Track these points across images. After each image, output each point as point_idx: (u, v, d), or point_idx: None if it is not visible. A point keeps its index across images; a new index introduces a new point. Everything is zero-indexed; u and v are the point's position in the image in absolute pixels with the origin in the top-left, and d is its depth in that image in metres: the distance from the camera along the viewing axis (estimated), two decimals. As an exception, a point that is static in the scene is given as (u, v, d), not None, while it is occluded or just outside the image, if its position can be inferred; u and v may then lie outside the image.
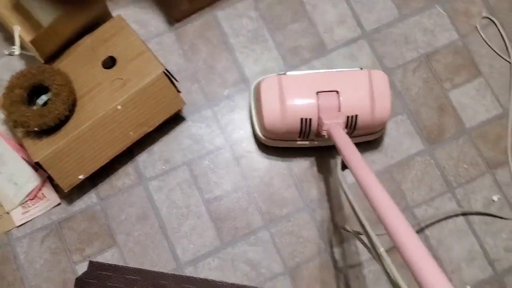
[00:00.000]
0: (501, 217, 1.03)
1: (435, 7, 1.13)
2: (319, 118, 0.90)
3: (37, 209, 0.98)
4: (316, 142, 0.98)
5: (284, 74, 0.95)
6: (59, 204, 1.00)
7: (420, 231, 1.01)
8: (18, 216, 0.98)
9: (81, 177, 0.93)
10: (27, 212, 0.98)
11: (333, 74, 0.95)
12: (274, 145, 1.01)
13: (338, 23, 1.11)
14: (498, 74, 1.11)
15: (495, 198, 1.04)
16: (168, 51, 1.08)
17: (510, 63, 1.11)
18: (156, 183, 1.01)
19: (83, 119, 0.92)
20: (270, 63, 1.08)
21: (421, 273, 0.49)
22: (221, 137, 1.04)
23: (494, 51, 1.12)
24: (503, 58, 1.12)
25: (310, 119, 0.91)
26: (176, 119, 1.04)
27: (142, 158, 1.03)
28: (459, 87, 1.09)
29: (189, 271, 0.97)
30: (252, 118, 1.01)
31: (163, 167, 1.02)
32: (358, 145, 0.80)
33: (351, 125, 0.93)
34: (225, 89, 1.06)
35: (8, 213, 0.99)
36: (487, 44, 1.12)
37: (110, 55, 0.97)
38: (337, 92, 0.91)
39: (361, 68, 0.98)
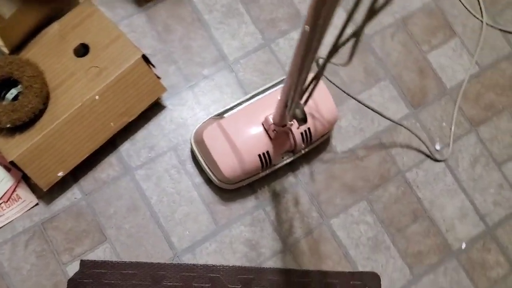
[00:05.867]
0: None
1: (406, -30, 1.13)
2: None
3: (12, 212, 0.92)
4: (278, 166, 0.95)
5: (219, 116, 0.89)
6: (36, 204, 0.93)
7: (412, 194, 1.02)
8: (-5, 222, 0.92)
9: (60, 174, 0.88)
10: (1, 215, 0.92)
11: (268, 98, 0.89)
12: (238, 186, 0.95)
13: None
14: (471, 32, 1.12)
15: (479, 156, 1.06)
16: (140, 33, 1.02)
17: (481, 21, 1.13)
18: (143, 172, 0.97)
19: (59, 112, 0.86)
20: (248, 38, 1.04)
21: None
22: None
23: (467, 9, 1.12)
24: (475, 16, 1.12)
25: (267, 151, 0.87)
26: (156, 104, 1.00)
27: (126, 147, 0.98)
28: (436, 49, 1.10)
29: (187, 259, 0.94)
30: (204, 169, 0.94)
31: (149, 154, 0.98)
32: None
33: (307, 138, 0.90)
34: (203, 68, 1.02)
35: (-16, 219, 0.92)
36: (461, 2, 1.13)
37: (82, 42, 0.90)
38: None
39: None
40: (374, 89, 1.06)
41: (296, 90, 0.62)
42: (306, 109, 0.87)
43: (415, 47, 1.09)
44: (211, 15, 1.05)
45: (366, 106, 0.92)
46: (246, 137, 0.85)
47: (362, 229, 0.99)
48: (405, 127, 1.03)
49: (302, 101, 0.69)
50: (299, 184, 1.00)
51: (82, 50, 0.91)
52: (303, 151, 0.95)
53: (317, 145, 0.99)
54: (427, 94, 1.07)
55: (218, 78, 1.02)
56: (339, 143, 1.03)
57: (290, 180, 1.00)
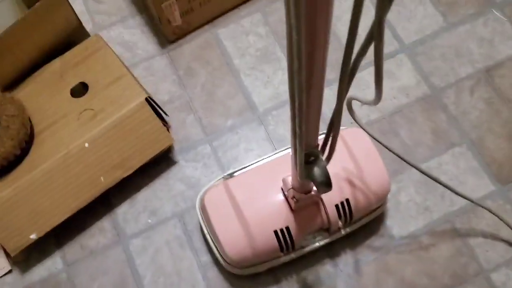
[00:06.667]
0: None
1: (491, 12, 0.90)
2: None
3: (-19, 279, 0.76)
4: (309, 248, 0.71)
5: (230, 176, 0.70)
6: (9, 271, 0.77)
7: (501, 305, 0.72)
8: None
9: (33, 236, 0.71)
10: (-35, 283, 0.76)
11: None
12: (253, 272, 0.71)
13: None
14: None
15: None
16: (159, 77, 0.88)
17: None
18: (139, 242, 0.78)
19: (39, 160, 0.71)
20: (284, 86, 0.86)
21: None
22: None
23: None
24: None
25: (287, 227, 0.64)
26: (165, 159, 0.82)
27: (123, 209, 0.80)
28: (534, 109, 0.84)
29: None
30: (211, 245, 0.72)
31: (149, 220, 0.79)
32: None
33: (345, 213, 0.66)
34: (227, 119, 0.84)
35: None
36: None
37: (82, 81, 0.77)
38: None
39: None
40: (446, 156, 0.81)
41: (298, 134, 0.41)
42: (343, 173, 0.64)
43: (503, 105, 0.84)
44: (243, 60, 0.88)
45: (433, 179, 0.67)
46: (258, 205, 0.64)
47: None
48: (488, 210, 0.75)
49: (324, 157, 0.48)
50: (339, 276, 0.74)
51: (82, 90, 0.77)
52: (343, 232, 0.71)
53: (364, 225, 0.75)
54: (521, 166, 0.80)
55: (243, 132, 0.83)
56: (396, 225, 0.77)
57: (327, 269, 0.75)
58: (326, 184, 0.47)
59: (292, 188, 0.59)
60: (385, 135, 0.83)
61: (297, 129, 0.39)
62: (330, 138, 0.47)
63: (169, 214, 0.79)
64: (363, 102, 0.48)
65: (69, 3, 0.77)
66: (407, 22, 0.90)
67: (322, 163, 0.48)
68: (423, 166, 0.80)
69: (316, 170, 0.47)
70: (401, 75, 0.87)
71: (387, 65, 0.87)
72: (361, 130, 0.71)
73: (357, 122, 0.60)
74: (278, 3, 0.93)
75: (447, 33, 0.89)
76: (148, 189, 0.81)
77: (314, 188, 0.58)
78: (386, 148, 0.64)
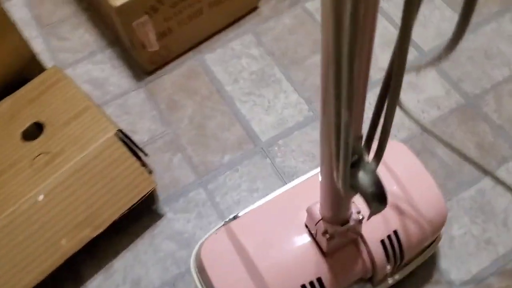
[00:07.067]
0: None
1: (516, 8, 0.78)
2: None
3: None
4: None
5: (234, 217, 0.53)
6: None
7: None
8: None
9: (-32, 329, 0.52)
10: None
11: (314, 181, 0.43)
12: None
13: (382, 46, 0.76)
14: None
15: None
16: (136, 114, 0.73)
17: None
18: (119, 325, 0.58)
19: (-20, 221, 0.54)
20: (289, 110, 0.71)
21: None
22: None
23: None
24: None
25: (319, 279, 0.46)
26: (148, 211, 0.65)
27: (96, 282, 0.61)
28: None
29: None
30: None
31: (131, 294, 0.60)
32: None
33: (394, 251, 0.49)
34: (224, 154, 0.68)
35: None
36: None
37: (36, 120, 0.62)
38: None
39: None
40: (500, 173, 0.65)
41: (345, 97, 0.25)
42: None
43: (555, 108, 0.69)
44: (236, 85, 0.74)
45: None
46: (276, 252, 0.46)
47: None
48: None
49: (369, 158, 0.32)
50: None
51: (35, 131, 0.61)
52: (390, 281, 0.53)
53: (414, 269, 0.57)
54: None
55: (245, 168, 0.67)
56: (453, 267, 0.59)
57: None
58: (378, 196, 0.31)
59: (322, 219, 0.41)
60: (419, 156, 0.67)
61: (344, 90, 0.23)
62: (382, 120, 0.31)
63: (156, 283, 0.60)
64: (427, 64, 0.33)
65: (17, 30, 0.63)
66: (422, 28, 0.78)
67: (370, 165, 0.31)
68: (473, 189, 0.64)
69: (362, 176, 0.31)
70: (425, 85, 0.72)
71: (407, 77, 0.73)
72: (402, 144, 0.55)
73: (405, 112, 0.44)
74: (270, 22, 0.80)
75: (472, 35, 0.77)
76: (128, 252, 0.62)
77: (353, 216, 0.41)
78: (463, 154, 0.47)
